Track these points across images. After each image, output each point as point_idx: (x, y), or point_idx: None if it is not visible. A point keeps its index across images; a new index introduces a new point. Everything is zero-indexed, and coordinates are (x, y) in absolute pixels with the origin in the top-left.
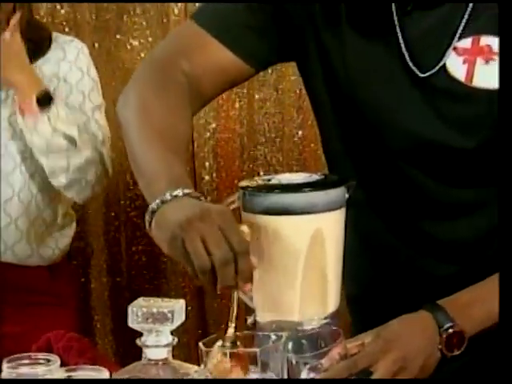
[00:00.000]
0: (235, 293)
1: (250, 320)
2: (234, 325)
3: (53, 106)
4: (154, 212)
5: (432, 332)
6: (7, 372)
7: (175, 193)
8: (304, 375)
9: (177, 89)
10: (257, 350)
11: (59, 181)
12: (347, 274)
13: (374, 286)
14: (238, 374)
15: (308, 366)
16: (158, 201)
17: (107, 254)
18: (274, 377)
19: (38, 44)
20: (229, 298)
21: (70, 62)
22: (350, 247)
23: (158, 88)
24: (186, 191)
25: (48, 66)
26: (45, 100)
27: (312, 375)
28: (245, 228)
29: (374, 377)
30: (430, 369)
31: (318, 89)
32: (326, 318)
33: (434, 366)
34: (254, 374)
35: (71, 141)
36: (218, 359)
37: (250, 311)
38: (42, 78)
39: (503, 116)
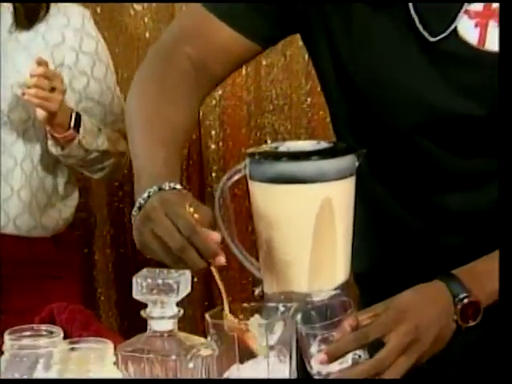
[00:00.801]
0: (212, 269)
1: (257, 291)
2: (226, 300)
3: (81, 126)
4: (134, 218)
5: (446, 302)
6: (9, 344)
7: (152, 190)
8: (315, 347)
9: (179, 76)
10: (264, 321)
11: (92, 175)
12: (355, 249)
13: (383, 259)
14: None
15: (319, 338)
16: (138, 203)
17: (111, 225)
18: (284, 350)
19: (35, 7)
20: (236, 270)
21: (76, 30)
22: (359, 220)
23: (160, 76)
24: (164, 186)
25: (51, 34)
26: (77, 121)
27: (323, 347)
28: (187, 207)
29: (386, 347)
30: (445, 340)
31: (324, 63)
32: (335, 289)
33: (449, 337)
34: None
35: (105, 153)
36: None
37: (258, 282)
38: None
39: (504, 85)
